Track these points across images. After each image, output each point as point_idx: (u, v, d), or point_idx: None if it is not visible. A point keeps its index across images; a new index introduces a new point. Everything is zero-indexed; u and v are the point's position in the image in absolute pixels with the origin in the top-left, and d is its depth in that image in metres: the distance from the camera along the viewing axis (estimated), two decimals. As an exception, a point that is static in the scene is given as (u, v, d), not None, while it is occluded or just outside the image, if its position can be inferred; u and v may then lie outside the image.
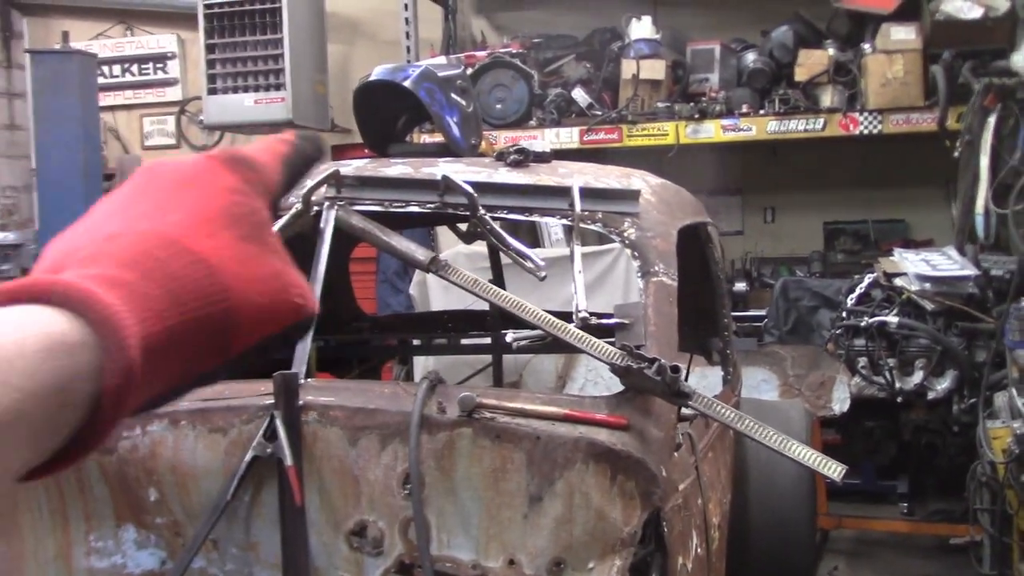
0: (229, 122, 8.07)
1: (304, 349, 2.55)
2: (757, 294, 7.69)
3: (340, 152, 8.56)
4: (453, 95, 3.36)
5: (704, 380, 4.63)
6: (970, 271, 5.52)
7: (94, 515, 2.60)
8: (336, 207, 2.78)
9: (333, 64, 8.43)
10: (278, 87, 7.75)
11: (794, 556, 4.14)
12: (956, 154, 5.93)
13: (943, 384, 5.51)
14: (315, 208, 2.78)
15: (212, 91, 7.88)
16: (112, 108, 9.44)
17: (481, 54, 7.59)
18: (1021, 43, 5.32)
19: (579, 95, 7.45)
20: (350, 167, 2.96)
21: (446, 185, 2.76)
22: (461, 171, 2.90)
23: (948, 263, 5.68)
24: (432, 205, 2.82)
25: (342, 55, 8.68)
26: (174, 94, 9.43)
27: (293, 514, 2.41)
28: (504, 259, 3.79)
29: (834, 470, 2.28)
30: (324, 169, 2.85)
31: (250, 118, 7.89)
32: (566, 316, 2.57)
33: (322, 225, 2.76)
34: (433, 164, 3.04)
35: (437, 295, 6.12)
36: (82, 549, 2.62)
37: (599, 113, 7.37)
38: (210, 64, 7.85)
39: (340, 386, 2.67)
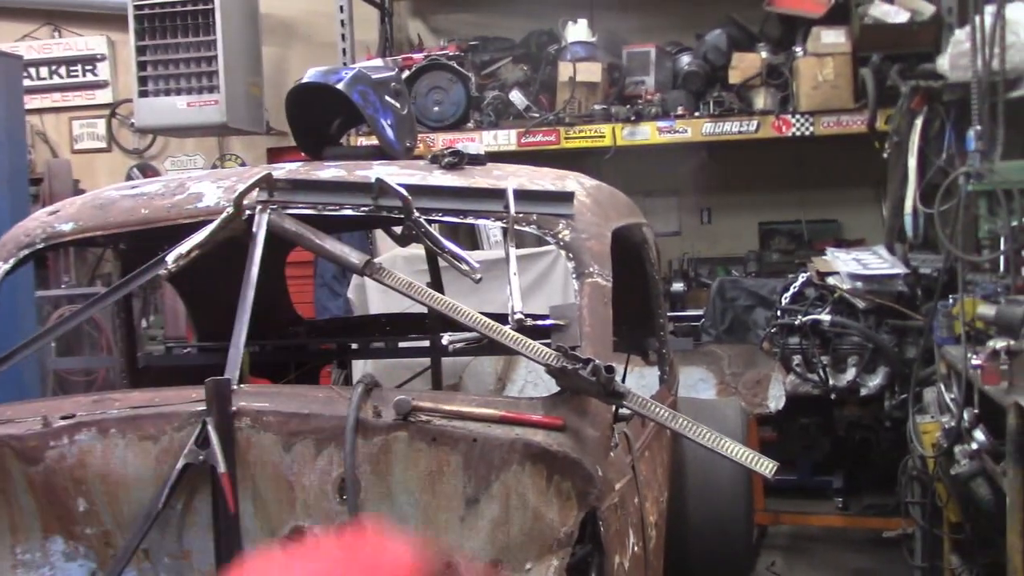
0: (161, 125, 7.94)
1: (237, 354, 2.51)
2: (694, 294, 7.76)
3: (276, 155, 8.49)
4: (387, 97, 3.34)
5: (642, 380, 4.66)
6: (900, 270, 5.63)
7: (20, 527, 2.55)
8: (268, 211, 2.75)
9: (268, 66, 8.34)
10: (211, 89, 7.64)
11: (732, 552, 4.18)
12: (885, 155, 6.04)
13: (875, 381, 5.62)
14: (247, 212, 2.75)
15: (143, 94, 7.75)
16: (40, 111, 9.23)
17: (418, 56, 7.56)
18: (946, 47, 5.43)
19: (516, 97, 7.46)
20: (282, 170, 2.93)
21: (380, 188, 2.74)
22: (395, 174, 2.89)
23: (879, 262, 5.79)
24: (366, 208, 2.80)
25: (277, 57, 8.59)
26: (104, 97, 9.24)
27: (227, 521, 2.37)
28: (443, 263, 3.79)
29: (766, 467, 2.31)
30: (256, 172, 2.82)
31: (183, 121, 7.76)
32: (505, 319, 2.57)
33: (254, 229, 2.72)
34: (367, 167, 3.02)
35: (375, 299, 6.08)
36: (7, 563, 2.55)
37: (537, 115, 7.38)
38: (141, 66, 7.71)
39: (273, 391, 2.63)
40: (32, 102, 8.92)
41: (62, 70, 9.27)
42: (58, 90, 9.29)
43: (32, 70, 9.12)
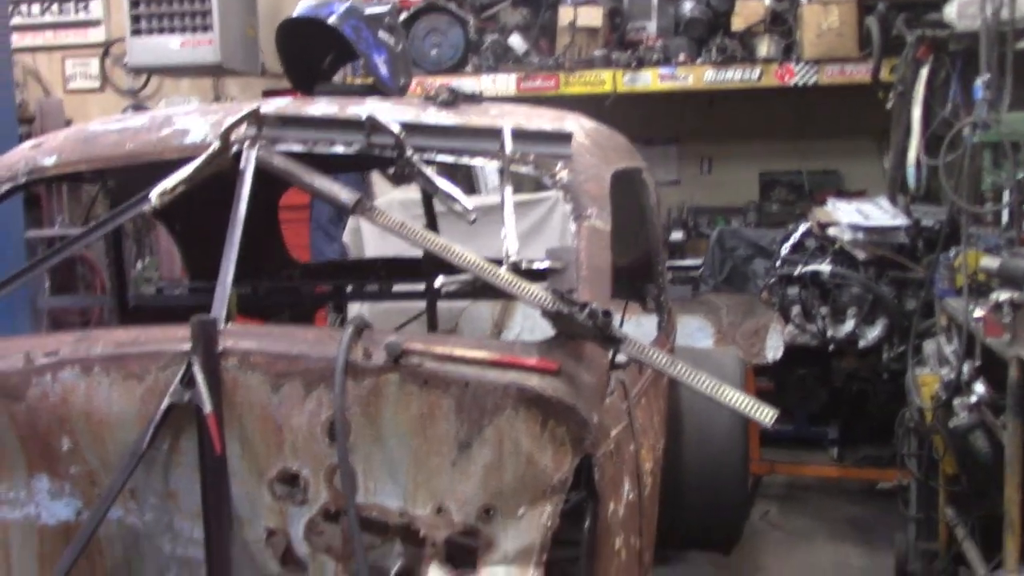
0: (154, 64, 7.83)
1: (223, 293, 2.45)
2: (693, 243, 7.71)
3: (272, 97, 8.36)
4: (381, 33, 3.25)
5: (639, 327, 4.61)
6: (901, 221, 5.57)
7: (4, 464, 2.50)
8: (257, 147, 2.67)
9: (264, 6, 8.19)
10: (205, 28, 7.52)
11: (727, 501, 4.17)
12: (889, 106, 5.96)
13: (874, 332, 5.59)
14: (235, 148, 2.67)
15: (136, 32, 7.63)
16: (32, 50, 9.08)
17: (416, -2, 7.42)
18: (954, -5, 5.32)
19: (516, 42, 7.34)
20: (271, 105, 2.84)
21: (372, 125, 2.66)
22: (388, 111, 2.80)
23: (880, 213, 5.72)
24: (358, 146, 2.72)
25: (274, -3, 8.44)
26: (97, 35, 9.09)
27: (213, 463, 2.32)
28: (440, 207, 3.71)
29: (766, 415, 2.26)
30: (244, 107, 2.74)
31: (177, 61, 7.65)
32: (501, 264, 2.50)
33: (242, 165, 2.64)
34: (359, 103, 2.93)
35: (371, 243, 6.01)
36: (-8, 500, 2.51)
37: (536, 60, 7.27)
38: (134, 4, 7.58)
39: (262, 331, 2.57)
40: (24, 40, 8.78)
41: (54, 7, 9.11)
42: (50, 28, 9.13)
43: (24, 7, 8.96)
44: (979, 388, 3.85)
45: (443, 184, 2.62)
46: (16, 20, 8.38)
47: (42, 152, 2.97)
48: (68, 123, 8.58)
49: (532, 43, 7.35)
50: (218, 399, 2.31)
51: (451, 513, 2.29)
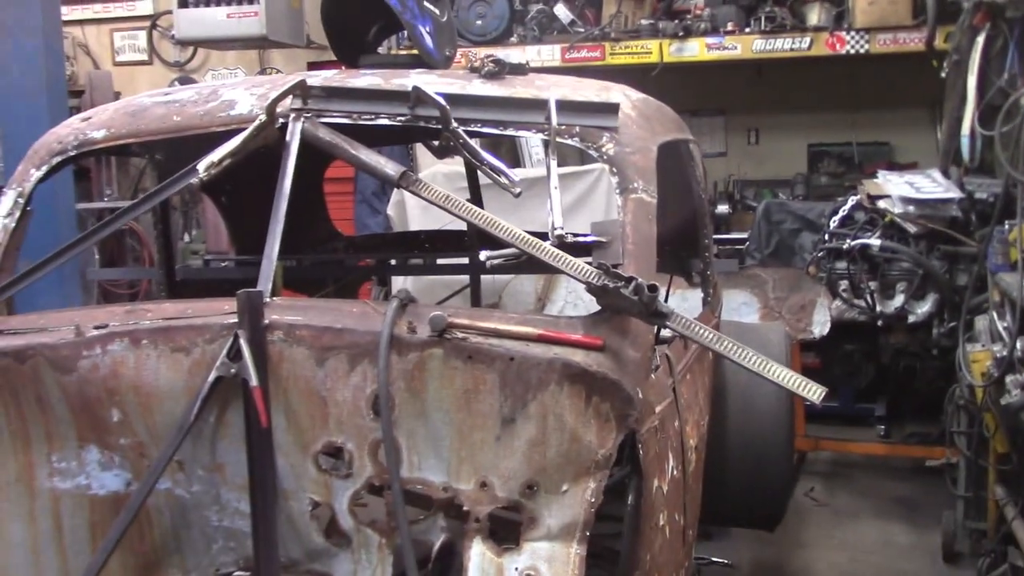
0: (201, 37, 7.86)
1: (269, 266, 2.46)
2: (739, 216, 7.63)
3: (317, 68, 8.37)
4: (426, 3, 3.22)
5: (684, 302, 4.58)
6: (954, 194, 5.46)
7: (56, 435, 2.53)
8: (302, 119, 2.66)
9: (309, -23, 8.19)
10: (251, 0, 7.52)
11: (771, 478, 4.13)
12: (943, 75, 5.82)
13: (924, 307, 5.50)
14: (280, 120, 2.67)
15: (183, 4, 7.67)
16: (81, 23, 9.17)
17: (461, -32, 7.38)
18: (1013, -40, 5.17)
19: (561, 11, 7.28)
20: (317, 78, 2.83)
21: (417, 97, 2.64)
22: (433, 83, 2.78)
23: (932, 186, 5.61)
24: (403, 118, 2.70)
25: (318, -32, 8.42)
26: (144, 8, 9.16)
27: (259, 435, 2.34)
28: (484, 180, 3.69)
29: (814, 392, 2.22)
30: (290, 79, 2.73)
31: (223, 33, 7.68)
32: (546, 237, 2.48)
33: (288, 138, 2.64)
34: (404, 75, 2.91)
35: (415, 216, 6.02)
36: (44, 470, 2.55)
37: (582, 30, 7.21)
38: (180, -24, 7.61)
39: (307, 305, 2.58)
40: (73, 13, 8.87)
41: (102, -20, 9.18)
42: (99, 1, 9.20)
43: (72, -21, 9.04)
44: (1033, 365, 3.77)
45: (488, 158, 2.60)
46: (66, -7, 8.44)
47: (92, 125, 2.99)
48: (117, 95, 8.68)
49: (577, 13, 7.29)
50: (264, 372, 2.32)
51: (494, 488, 2.29)
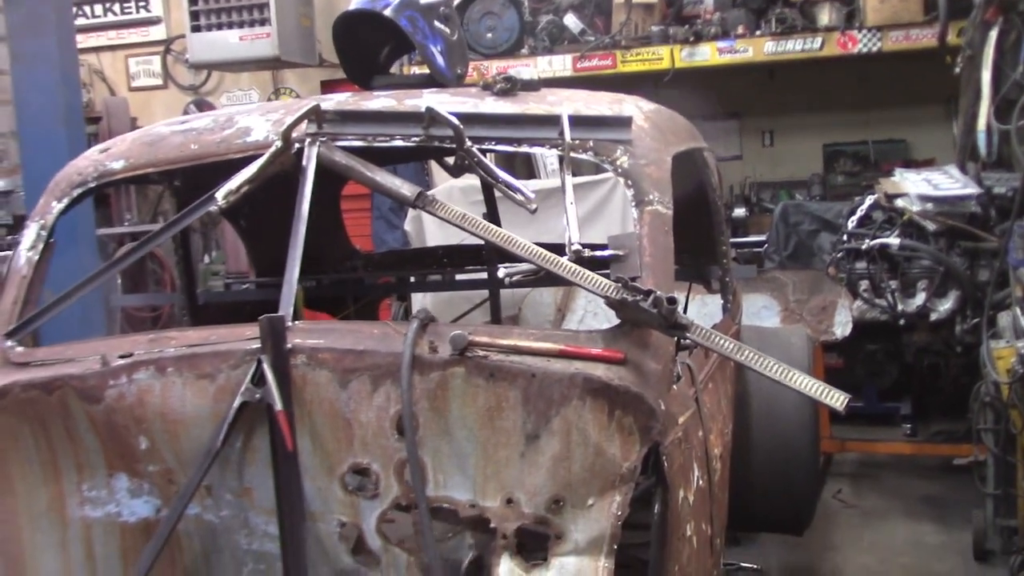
0: (215, 60, 7.93)
1: (290, 291, 2.48)
2: (757, 219, 7.62)
3: (329, 88, 8.41)
4: (436, 23, 3.24)
5: (704, 308, 4.57)
6: (972, 190, 5.42)
7: (85, 465, 2.57)
8: (318, 143, 2.69)
9: (319, -3, 8.24)
10: (263, 22, 7.59)
11: (798, 481, 4.11)
12: (957, 70, 5.79)
13: (946, 305, 5.46)
14: (296, 145, 2.69)
15: (196, 28, 7.74)
16: (96, 50, 9.26)
17: (470, -18, 7.41)
18: (1024, -47, 5.15)
19: (571, 21, 7.29)
20: (331, 102, 2.86)
21: (431, 117, 2.66)
22: (446, 102, 2.80)
23: (950, 182, 5.58)
24: (417, 138, 2.72)
25: (328, -13, 8.48)
26: (158, 33, 9.23)
27: (285, 459, 2.36)
28: (499, 193, 3.70)
29: (837, 399, 2.22)
30: (304, 104, 2.76)
31: (236, 55, 7.75)
32: (563, 249, 2.49)
33: (304, 163, 2.67)
34: (417, 96, 2.93)
35: (432, 231, 6.04)
36: (75, 499, 2.58)
37: (592, 39, 7.22)
38: (192, 1, 7.67)
39: (328, 327, 2.60)
40: (88, 40, 8.96)
41: (116, 7, 9.27)
42: (113, 28, 9.30)
43: (87, 8, 9.13)
44: (1058, 361, 3.75)
45: (503, 175, 2.61)
46: (80, 21, 8.53)
47: (110, 156, 3.02)
48: (133, 120, 8.75)
49: (587, 22, 7.30)
50: (288, 396, 2.34)
51: (520, 504, 2.30)
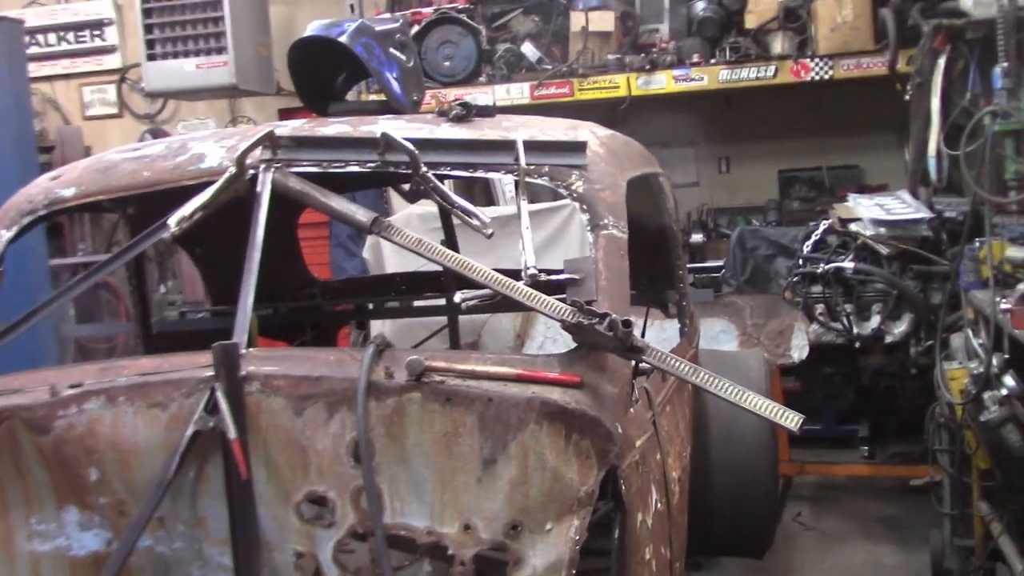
0: (171, 88, 7.88)
1: (244, 318, 2.46)
2: (714, 245, 7.67)
3: (287, 116, 8.37)
4: (392, 50, 3.25)
5: (663, 334, 4.59)
6: (924, 214, 5.51)
7: (34, 498, 2.51)
8: (272, 169, 2.68)
9: (277, 26, 8.22)
10: (220, 51, 7.56)
11: (758, 505, 4.13)
12: (907, 97, 5.89)
13: (900, 328, 5.52)
14: (250, 171, 2.68)
15: (151, 57, 7.68)
16: (50, 78, 9.16)
17: (427, 11, 7.44)
18: (969, -17, 5.26)
19: (528, 50, 7.34)
20: (286, 128, 2.85)
21: (386, 143, 2.66)
22: (402, 128, 2.80)
23: (902, 207, 5.66)
24: (372, 164, 2.72)
25: (286, 16, 8.46)
26: (113, 62, 9.16)
27: (240, 488, 2.33)
28: (457, 220, 3.71)
29: (792, 420, 2.24)
30: (259, 131, 2.75)
31: (193, 84, 7.70)
32: (519, 274, 2.49)
33: (258, 189, 2.65)
34: (373, 122, 2.93)
35: (391, 258, 6.02)
36: (23, 533, 2.52)
37: (549, 67, 7.27)
38: (148, 29, 7.63)
39: (283, 354, 2.58)
40: (42, 69, 8.86)
41: (70, 36, 9.18)
42: (67, 56, 9.21)
43: (40, 37, 9.04)
44: (1009, 381, 3.80)
45: (459, 201, 2.62)
46: (33, 50, 8.44)
47: (61, 184, 2.99)
48: (87, 150, 8.66)
49: (545, 51, 7.35)
50: (242, 424, 2.31)
51: (478, 530, 2.28)
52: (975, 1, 5.05)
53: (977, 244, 4.40)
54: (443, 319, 4.68)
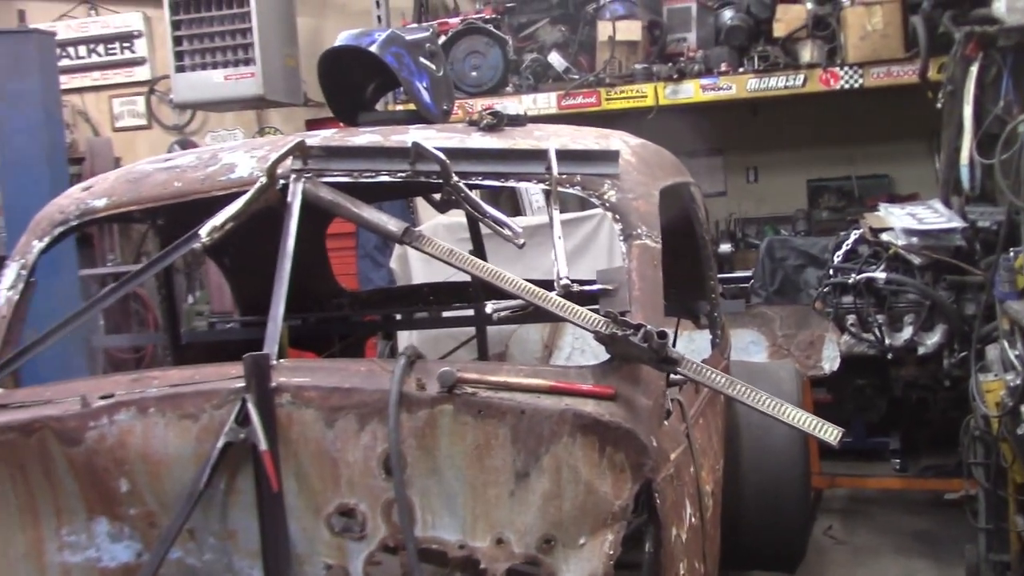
0: (199, 100, 7.92)
1: (275, 328, 2.44)
2: (742, 255, 7.61)
3: (314, 127, 8.40)
4: (422, 59, 3.24)
5: (691, 345, 4.55)
6: (957, 223, 5.44)
7: (65, 509, 2.50)
8: (303, 179, 2.67)
9: (304, 37, 8.26)
10: (247, 62, 7.59)
11: (789, 518, 4.08)
12: (939, 105, 5.83)
13: (933, 339, 5.45)
14: (281, 181, 2.67)
15: (180, 69, 7.72)
16: (80, 90, 9.25)
17: (454, 21, 7.45)
18: (1002, -11, 5.21)
19: (555, 59, 7.32)
20: (316, 138, 2.84)
21: (417, 152, 2.64)
22: (432, 137, 2.79)
23: (934, 216, 5.59)
24: (403, 174, 2.71)
25: (312, 27, 8.50)
26: (142, 73, 9.24)
27: (270, 500, 2.31)
28: (486, 230, 3.70)
29: (832, 434, 2.20)
30: (289, 141, 2.74)
31: (220, 95, 7.73)
32: (550, 285, 2.47)
33: (289, 199, 2.64)
34: (403, 132, 2.92)
35: (418, 268, 6.02)
36: (54, 544, 2.52)
37: (576, 77, 7.25)
38: (177, 41, 7.68)
39: (314, 366, 2.56)
40: (72, 81, 8.95)
41: (100, 48, 9.27)
42: (97, 68, 9.29)
43: (71, 49, 9.13)
44: (1047, 393, 3.73)
45: (490, 210, 2.59)
46: (64, 62, 8.52)
47: (93, 195, 2.99)
48: (117, 161, 8.72)
49: (571, 60, 7.34)
50: (273, 436, 2.29)
51: (511, 544, 2.26)
52: (1008, 7, 5.00)
53: (1012, 254, 4.33)
54: (471, 330, 4.67)
